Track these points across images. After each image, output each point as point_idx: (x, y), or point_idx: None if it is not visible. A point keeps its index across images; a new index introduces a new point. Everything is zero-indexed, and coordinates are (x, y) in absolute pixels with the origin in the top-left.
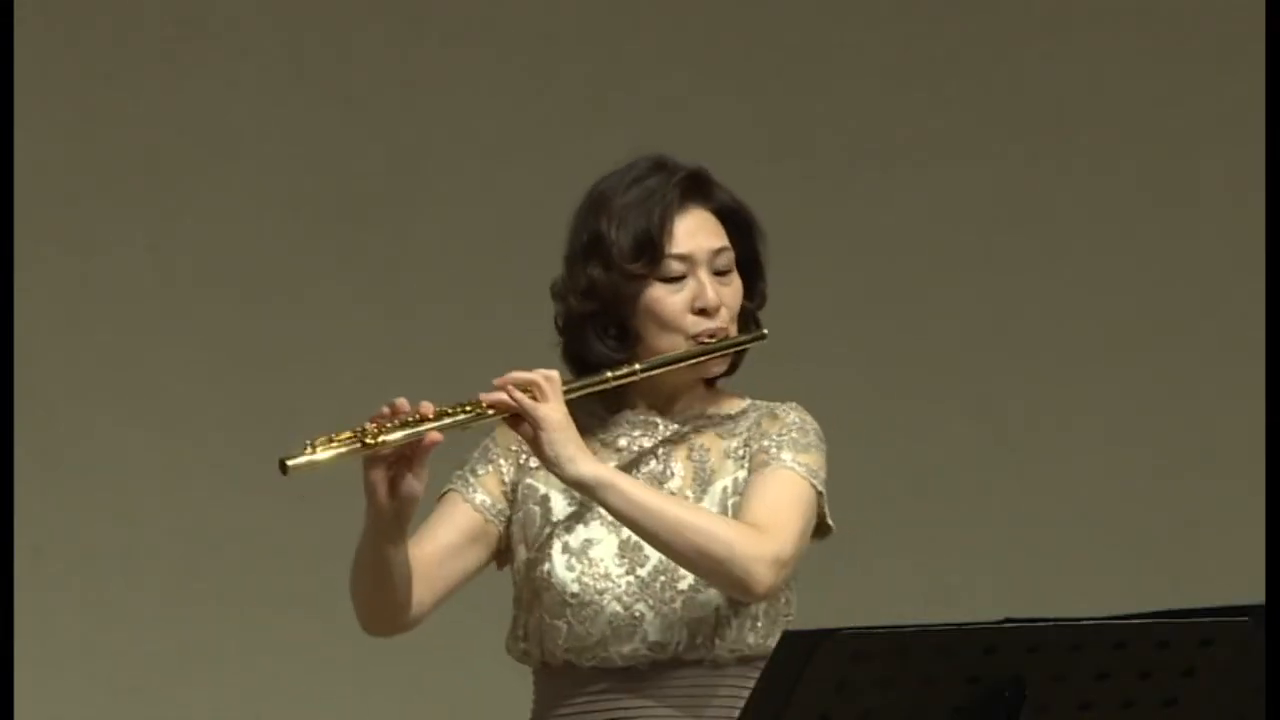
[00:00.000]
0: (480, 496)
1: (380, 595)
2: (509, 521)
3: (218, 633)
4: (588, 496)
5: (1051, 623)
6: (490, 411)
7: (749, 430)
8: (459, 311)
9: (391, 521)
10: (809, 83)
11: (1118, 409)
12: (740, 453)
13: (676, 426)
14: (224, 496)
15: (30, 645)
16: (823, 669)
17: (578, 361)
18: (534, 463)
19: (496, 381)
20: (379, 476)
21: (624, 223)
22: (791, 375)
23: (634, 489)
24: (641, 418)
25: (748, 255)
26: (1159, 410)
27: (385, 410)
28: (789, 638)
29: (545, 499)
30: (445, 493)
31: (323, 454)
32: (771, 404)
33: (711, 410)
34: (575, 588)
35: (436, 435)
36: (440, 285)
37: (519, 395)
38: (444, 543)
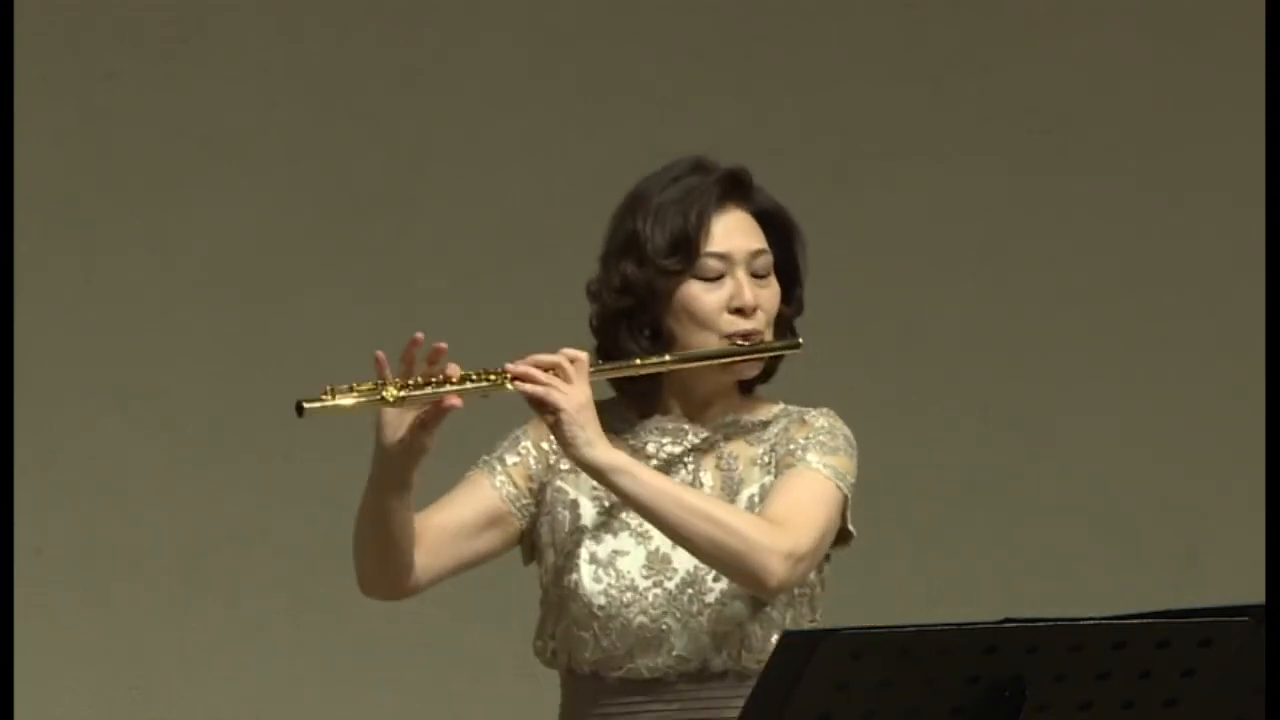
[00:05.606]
0: (505, 484)
1: (380, 550)
2: (534, 520)
3: (218, 632)
4: (601, 483)
5: (1051, 623)
6: (512, 384)
7: (777, 436)
8: (459, 311)
9: (397, 468)
10: (809, 82)
11: (1118, 409)
12: (767, 459)
13: (706, 434)
14: (224, 496)
15: (31, 644)
16: (823, 669)
17: (611, 360)
18: (565, 464)
19: (521, 363)
20: (393, 416)
21: (661, 220)
22: (790, 375)
23: (649, 475)
24: (672, 424)
25: (787, 261)
26: (1159, 410)
27: (409, 363)
28: (789, 637)
29: (575, 504)
30: (469, 475)
31: (341, 401)
32: (803, 409)
33: (744, 417)
34: (602, 600)
35: (456, 400)
36: (440, 285)
37: (542, 375)
38: (460, 519)
